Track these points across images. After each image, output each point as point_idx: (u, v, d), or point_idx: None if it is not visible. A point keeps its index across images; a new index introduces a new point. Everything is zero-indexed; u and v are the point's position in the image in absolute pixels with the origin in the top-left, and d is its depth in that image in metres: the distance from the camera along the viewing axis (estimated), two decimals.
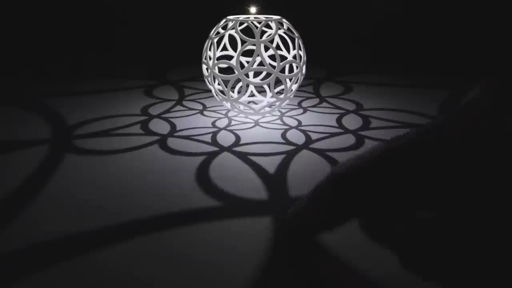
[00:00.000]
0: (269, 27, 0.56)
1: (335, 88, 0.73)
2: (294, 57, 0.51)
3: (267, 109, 0.52)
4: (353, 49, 1.17)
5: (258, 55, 0.47)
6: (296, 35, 0.53)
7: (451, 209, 0.14)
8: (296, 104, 0.60)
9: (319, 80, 0.76)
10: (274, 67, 0.49)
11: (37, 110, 0.56)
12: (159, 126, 0.49)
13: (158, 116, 0.53)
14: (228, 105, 0.51)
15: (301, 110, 0.56)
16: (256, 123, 0.50)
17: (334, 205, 0.13)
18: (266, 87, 0.58)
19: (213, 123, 0.50)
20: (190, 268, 0.22)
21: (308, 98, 0.63)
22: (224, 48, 0.54)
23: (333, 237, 0.26)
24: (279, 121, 0.51)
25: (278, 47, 0.50)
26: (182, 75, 0.84)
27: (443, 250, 0.14)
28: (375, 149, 0.12)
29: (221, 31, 0.50)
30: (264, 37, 0.46)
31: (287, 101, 0.51)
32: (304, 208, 0.13)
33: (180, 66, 0.96)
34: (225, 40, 0.54)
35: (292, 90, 0.50)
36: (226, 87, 0.48)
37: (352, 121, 0.50)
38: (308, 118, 0.52)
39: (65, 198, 0.31)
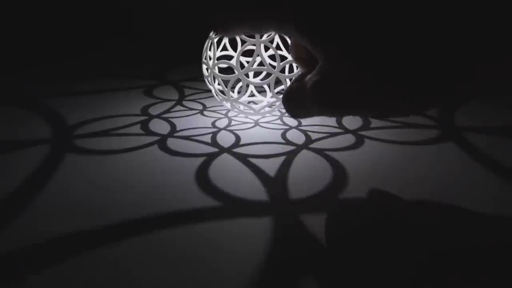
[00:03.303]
0: None
1: None
2: None
3: (267, 109, 0.52)
4: None
5: (258, 55, 0.47)
6: None
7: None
8: None
9: None
10: (274, 67, 0.49)
11: (37, 110, 0.56)
12: (159, 126, 0.49)
13: (158, 116, 0.53)
14: (228, 105, 0.51)
15: None
16: (256, 123, 0.50)
17: None
18: (266, 87, 0.58)
19: (213, 123, 0.50)
20: (189, 268, 0.22)
21: None
22: (224, 48, 0.54)
23: (332, 237, 0.26)
24: (279, 121, 0.51)
25: (278, 47, 0.50)
26: (182, 75, 0.84)
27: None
28: None
29: None
30: (264, 37, 0.46)
31: None
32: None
33: (180, 66, 0.96)
34: (225, 40, 0.54)
35: None
36: (226, 87, 0.48)
37: (352, 121, 0.50)
38: (308, 118, 0.52)
39: (65, 198, 0.31)
